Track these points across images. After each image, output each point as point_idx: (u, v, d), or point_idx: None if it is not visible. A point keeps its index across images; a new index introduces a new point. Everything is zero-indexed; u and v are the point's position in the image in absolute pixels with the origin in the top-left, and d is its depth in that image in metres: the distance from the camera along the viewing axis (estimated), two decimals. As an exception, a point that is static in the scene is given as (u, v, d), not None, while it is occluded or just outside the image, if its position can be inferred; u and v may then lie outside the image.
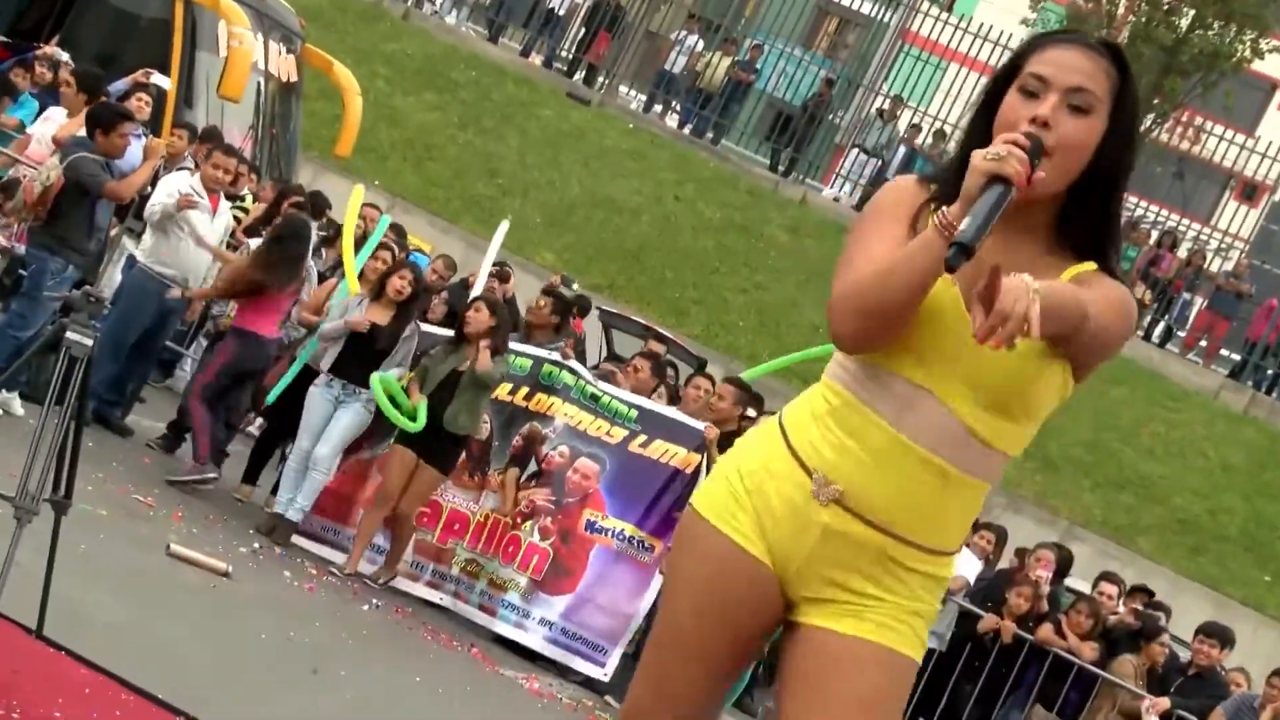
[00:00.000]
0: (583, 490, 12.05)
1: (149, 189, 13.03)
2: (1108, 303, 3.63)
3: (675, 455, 12.04)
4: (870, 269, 3.59)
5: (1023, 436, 3.71)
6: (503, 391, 12.27)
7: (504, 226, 14.62)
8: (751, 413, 12.41)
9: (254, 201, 15.36)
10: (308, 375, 12.40)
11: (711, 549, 3.84)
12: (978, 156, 3.51)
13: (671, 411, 12.34)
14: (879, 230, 3.72)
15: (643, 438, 12.13)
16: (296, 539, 11.86)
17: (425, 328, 12.62)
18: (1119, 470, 22.35)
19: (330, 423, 11.85)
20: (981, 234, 3.44)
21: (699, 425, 12.10)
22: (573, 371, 12.46)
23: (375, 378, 11.57)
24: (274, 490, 12.52)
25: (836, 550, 3.73)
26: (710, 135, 29.61)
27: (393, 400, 11.55)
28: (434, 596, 12.00)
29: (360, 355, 11.86)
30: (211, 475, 11.86)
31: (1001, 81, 3.74)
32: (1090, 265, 3.71)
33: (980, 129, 3.75)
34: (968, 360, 3.61)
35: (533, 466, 12.24)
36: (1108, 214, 3.74)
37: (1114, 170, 3.69)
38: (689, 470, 11.97)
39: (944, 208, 3.55)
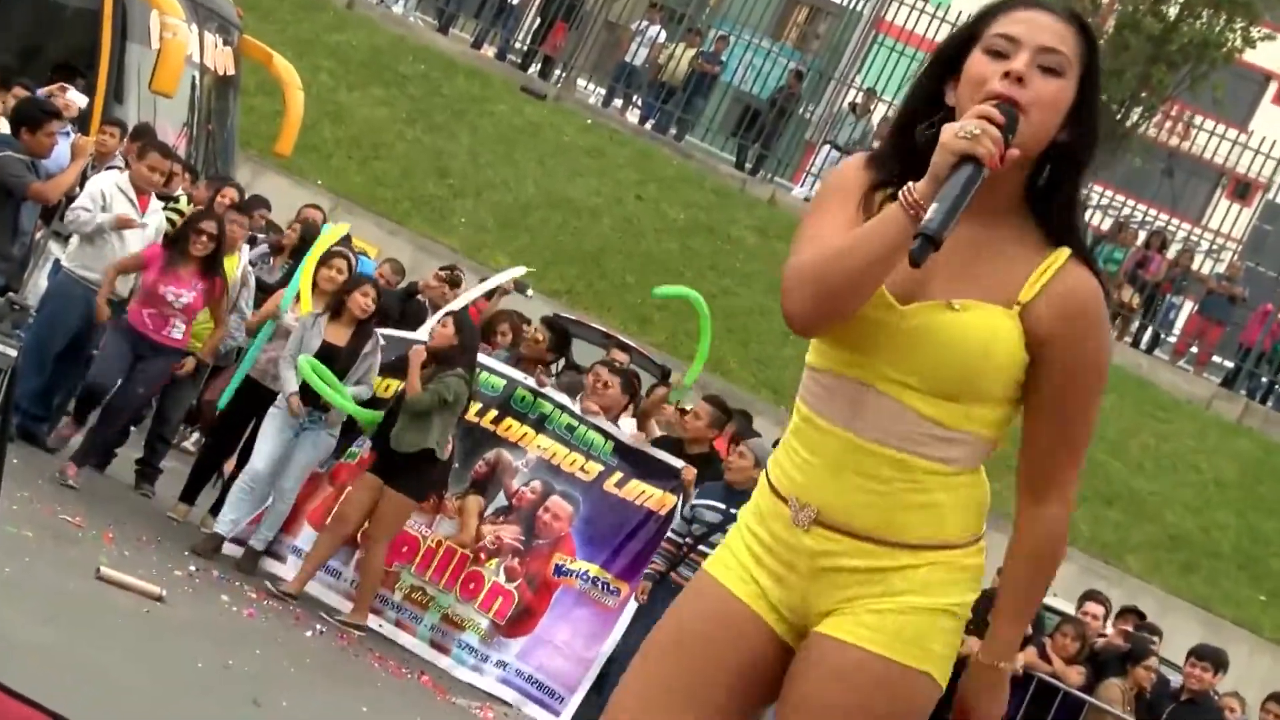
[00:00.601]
0: (554, 533, 12.08)
1: (76, 190, 12.99)
2: (1086, 384, 3.71)
3: (651, 497, 12.08)
4: (826, 246, 3.59)
5: (988, 418, 3.70)
6: (470, 412, 12.26)
7: (515, 271, 14.63)
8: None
9: (188, 203, 15.31)
10: (252, 389, 12.40)
11: (705, 597, 3.86)
12: (948, 132, 3.50)
13: (649, 448, 12.34)
14: (828, 214, 3.74)
15: (618, 475, 12.17)
16: (229, 548, 11.86)
17: (388, 333, 12.63)
18: (1106, 485, 22.43)
19: (294, 450, 11.85)
20: (950, 223, 3.44)
21: (677, 463, 12.12)
22: (549, 400, 12.45)
23: (302, 359, 11.61)
24: (212, 510, 12.51)
25: (832, 571, 3.73)
26: (674, 131, 29.64)
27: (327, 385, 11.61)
28: (373, 623, 11.97)
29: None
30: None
31: (954, 50, 3.74)
32: (1063, 253, 3.70)
33: (925, 96, 3.77)
34: (903, 350, 3.63)
35: (501, 500, 12.23)
36: (1075, 190, 3.75)
37: (1082, 141, 3.71)
38: (663, 512, 11.99)
39: (910, 184, 3.54)
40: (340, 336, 12.03)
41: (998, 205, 3.69)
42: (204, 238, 12.23)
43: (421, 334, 12.74)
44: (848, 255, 3.55)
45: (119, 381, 12.21)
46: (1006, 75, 3.60)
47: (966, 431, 3.68)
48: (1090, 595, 15.03)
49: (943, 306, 3.63)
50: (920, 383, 3.63)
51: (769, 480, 3.84)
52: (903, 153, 3.68)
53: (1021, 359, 3.66)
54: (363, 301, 12.09)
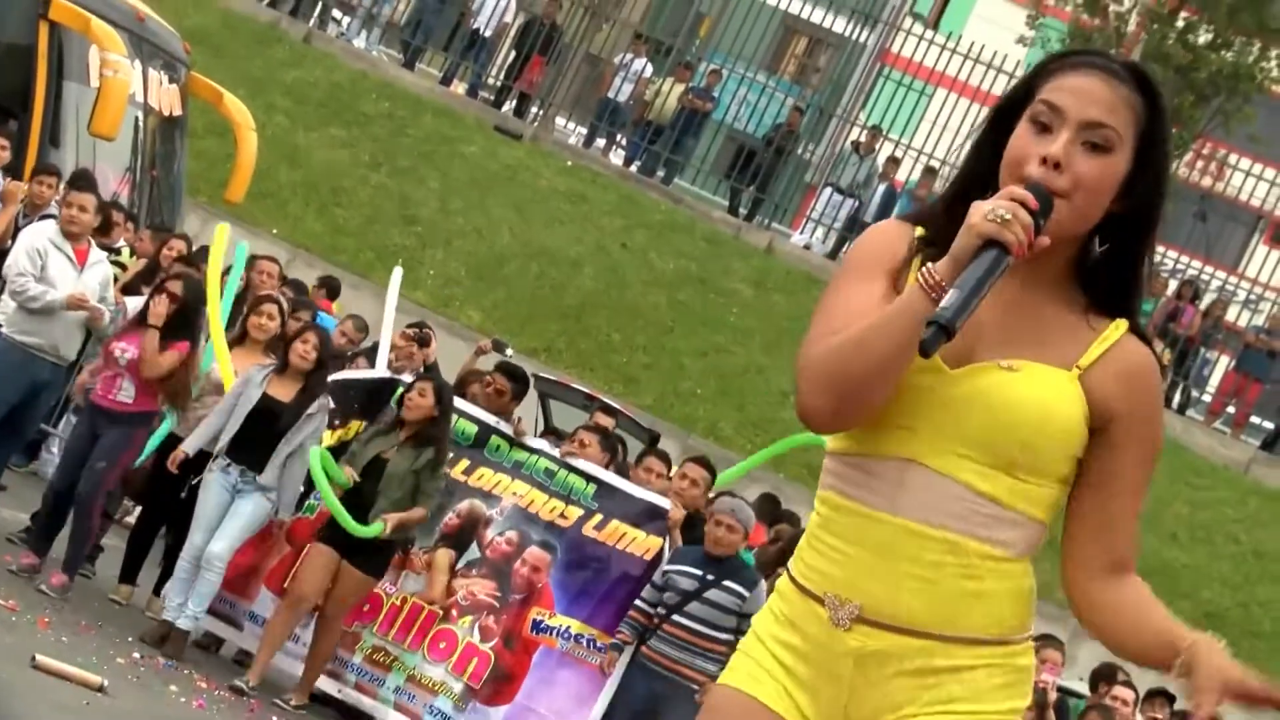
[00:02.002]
0: (531, 585, 12.08)
1: (9, 241, 13.03)
2: (1147, 457, 3.74)
3: (634, 540, 12.09)
4: (842, 336, 3.60)
5: (1042, 498, 3.70)
6: None
7: (397, 274, 14.62)
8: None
9: (131, 255, 15.35)
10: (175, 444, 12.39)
11: (738, 711, 3.80)
12: (977, 212, 3.51)
13: (633, 488, 12.39)
14: (854, 287, 3.73)
15: (599, 518, 12.18)
16: (209, 621, 11.89)
17: (344, 377, 12.66)
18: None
19: (228, 514, 11.84)
20: (966, 311, 3.46)
21: (664, 503, 12.14)
22: (525, 448, 12.52)
23: (314, 450, 11.62)
24: (155, 590, 12.51)
25: (877, 673, 3.70)
26: (661, 174, 29.74)
27: (333, 485, 11.62)
28: (332, 688, 11.97)
29: (260, 436, 11.86)
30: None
31: (1013, 105, 3.74)
32: (1121, 325, 3.72)
33: (984, 157, 3.78)
34: (956, 417, 3.63)
35: (474, 551, 12.25)
36: (1133, 263, 3.76)
37: (1141, 214, 3.71)
38: (648, 557, 11.99)
39: (930, 263, 3.55)
40: (285, 391, 12.00)
41: (1047, 275, 3.72)
42: (160, 309, 12.18)
43: (380, 369, 12.86)
44: (865, 346, 3.56)
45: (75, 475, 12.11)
46: (1044, 161, 3.60)
47: (1022, 512, 3.67)
48: (1116, 677, 14.96)
49: (995, 368, 3.65)
50: (974, 453, 3.63)
51: (795, 582, 3.79)
52: (956, 219, 3.62)
53: (1081, 427, 3.67)
54: (302, 350, 12.05)
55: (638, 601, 11.71)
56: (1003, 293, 3.59)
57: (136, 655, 11.05)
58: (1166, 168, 3.77)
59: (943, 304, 3.46)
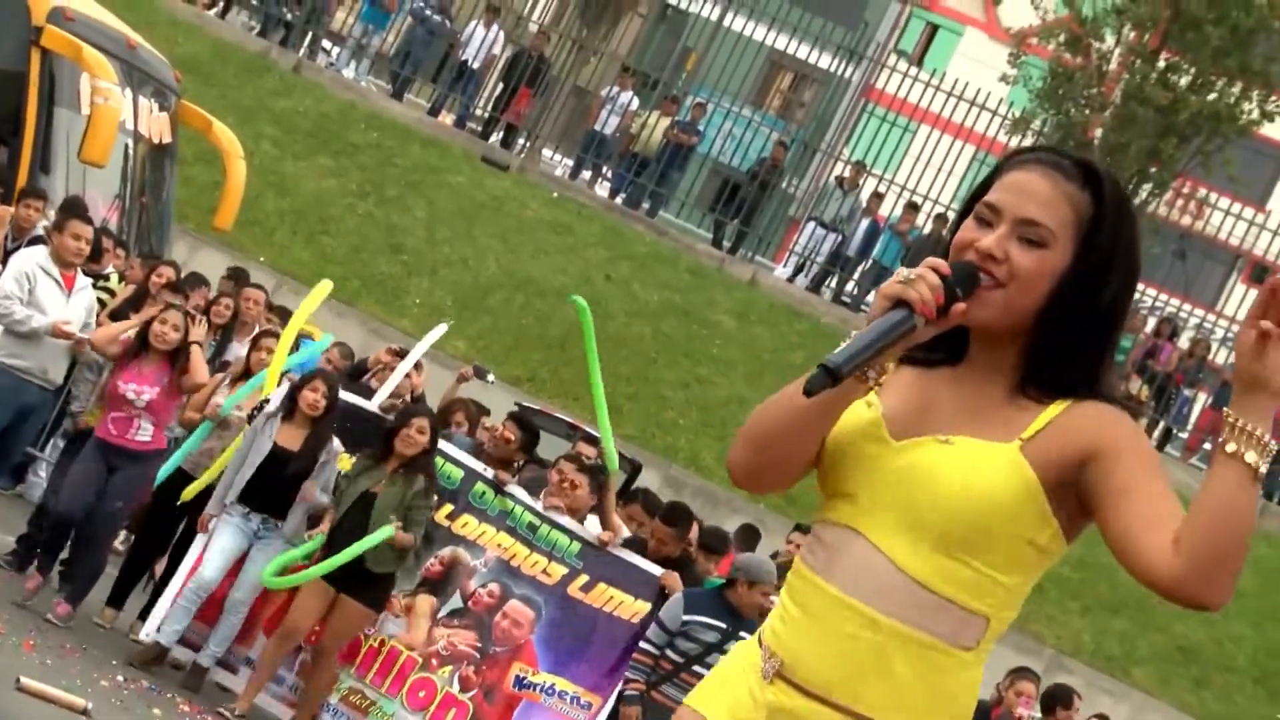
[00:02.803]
0: (513, 640, 12.04)
1: (-1, 266, 13.06)
2: (1138, 455, 3.64)
3: (621, 604, 12.04)
4: (778, 394, 3.73)
5: (986, 587, 3.65)
6: None
7: (441, 329, 14.56)
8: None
9: (120, 281, 15.37)
10: (184, 485, 12.43)
11: None
12: (890, 279, 3.61)
13: (620, 552, 12.32)
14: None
15: (584, 579, 12.12)
16: (179, 651, 11.88)
17: (347, 401, 12.65)
18: (1112, 592, 22.49)
19: (247, 561, 11.87)
20: (855, 359, 3.49)
21: (654, 570, 12.11)
22: (511, 497, 12.45)
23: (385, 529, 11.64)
24: (140, 616, 12.51)
25: None
26: (646, 206, 29.79)
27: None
28: None
29: (274, 481, 11.87)
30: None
31: (969, 203, 3.82)
32: (1059, 405, 3.69)
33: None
34: (890, 489, 3.67)
35: (456, 601, 12.22)
36: (1081, 352, 3.75)
37: (1084, 306, 3.72)
38: (636, 621, 11.96)
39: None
40: (293, 439, 11.99)
41: (1001, 363, 3.76)
42: (168, 328, 12.22)
43: (372, 405, 12.86)
44: (774, 402, 3.71)
45: (88, 506, 12.08)
46: (978, 252, 3.67)
47: (951, 599, 3.64)
48: (1063, 698, 14.90)
49: (933, 441, 3.68)
50: (906, 527, 3.65)
51: (759, 631, 3.89)
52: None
53: (1030, 500, 3.62)
54: (312, 398, 12.03)
55: (644, 645, 11.62)
56: (956, 380, 3.71)
57: (120, 678, 11.06)
58: (1116, 259, 3.75)
59: (835, 351, 3.51)
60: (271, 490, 11.87)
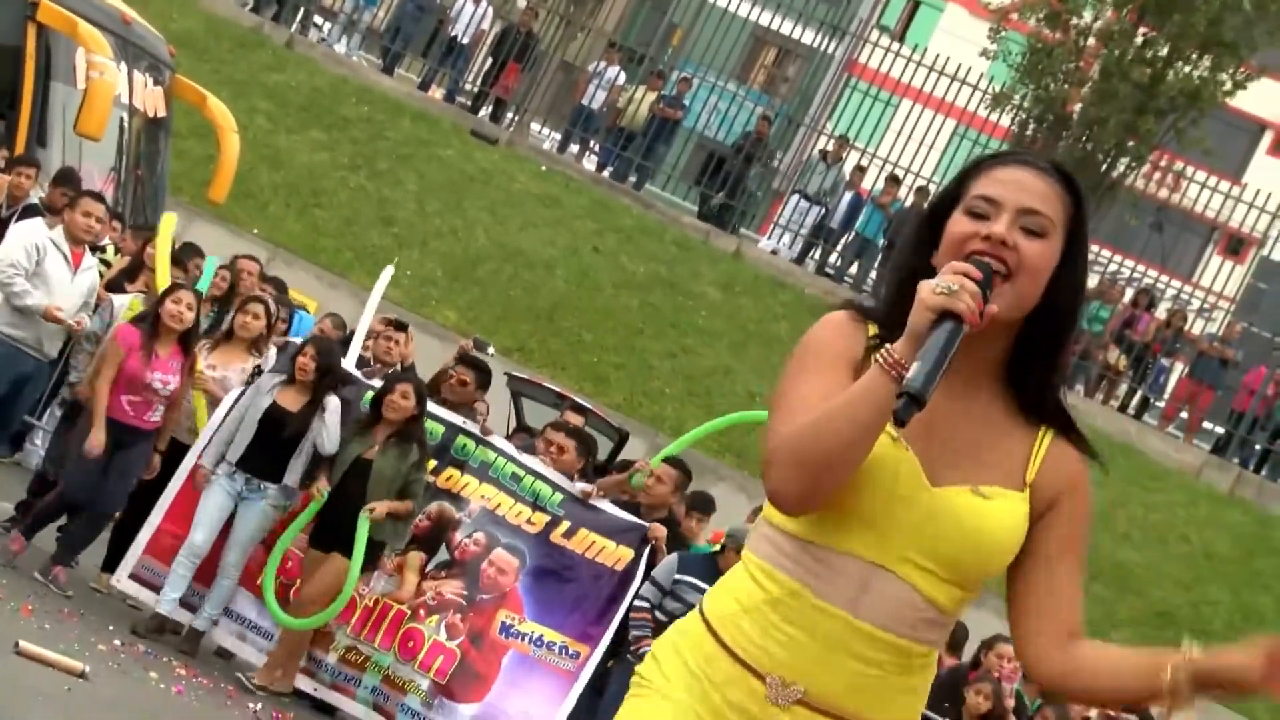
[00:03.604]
0: (499, 587, 12.05)
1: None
2: (1081, 519, 3.82)
3: (604, 549, 12.03)
4: (808, 419, 3.61)
5: (969, 600, 3.81)
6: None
7: (388, 273, 14.63)
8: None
9: (115, 253, 15.34)
10: (173, 449, 12.42)
11: None
12: (925, 289, 3.55)
13: (603, 504, 12.33)
14: (816, 373, 3.76)
15: (566, 525, 12.13)
16: (180, 614, 11.91)
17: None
18: (1091, 558, 22.37)
19: (235, 521, 11.87)
20: (933, 381, 3.50)
21: (639, 521, 12.11)
22: (492, 447, 12.48)
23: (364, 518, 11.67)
24: (104, 567, 12.52)
25: None
26: (633, 179, 29.77)
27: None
28: (308, 686, 11.98)
29: (267, 445, 11.87)
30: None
31: (944, 203, 3.79)
32: (1045, 434, 3.81)
33: (920, 254, 3.81)
34: (931, 533, 3.69)
35: (443, 554, 12.24)
36: (1060, 356, 3.81)
37: (1067, 305, 3.76)
38: (618, 568, 11.96)
39: (887, 345, 3.59)
40: (292, 402, 12.00)
41: (979, 371, 3.77)
42: (182, 308, 12.19)
43: (351, 357, 12.88)
44: (831, 424, 3.58)
45: (98, 486, 12.06)
46: (987, 238, 3.66)
47: (952, 615, 3.78)
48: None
49: (970, 492, 3.71)
50: (938, 568, 3.70)
51: (727, 646, 3.80)
52: (903, 315, 3.64)
53: (1023, 539, 3.77)
54: (301, 361, 12.05)
55: (639, 602, 11.63)
56: (947, 395, 3.67)
57: (117, 642, 11.05)
58: (1086, 264, 3.81)
59: (909, 376, 3.50)
60: (265, 452, 11.86)
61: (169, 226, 14.15)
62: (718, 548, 12.12)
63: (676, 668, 3.85)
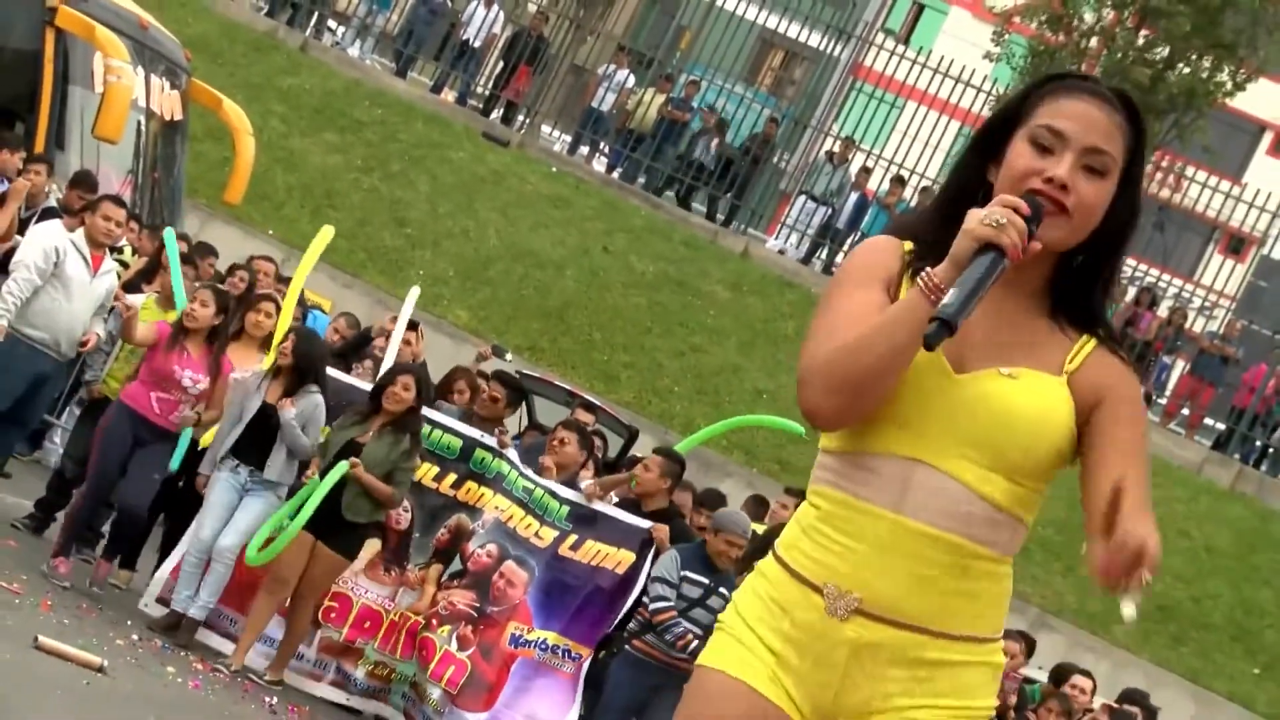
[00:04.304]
0: (509, 600, 12.03)
1: (16, 238, 13.03)
2: (1137, 423, 3.77)
3: (607, 556, 12.02)
4: (843, 337, 3.63)
5: (1030, 500, 3.75)
6: (428, 476, 12.31)
7: (414, 294, 14.61)
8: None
9: (133, 254, 15.36)
10: (191, 449, 12.43)
11: (734, 704, 3.81)
12: (974, 218, 3.56)
13: (609, 509, 12.32)
14: (853, 296, 3.76)
15: (573, 538, 12.12)
16: (154, 609, 11.89)
17: (338, 377, 12.64)
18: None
19: (236, 511, 11.86)
20: (967, 309, 3.51)
21: (642, 524, 12.09)
22: (507, 460, 12.48)
23: (340, 466, 11.64)
24: (153, 574, 12.53)
25: (871, 664, 3.74)
26: (642, 180, 29.76)
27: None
28: (339, 697, 12.00)
29: (264, 437, 11.87)
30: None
31: (1003, 124, 3.79)
32: (1087, 341, 3.79)
33: (970, 173, 3.83)
34: (962, 419, 3.68)
35: (457, 564, 12.25)
36: (1108, 277, 3.83)
37: (1119, 233, 3.77)
38: (620, 571, 11.95)
39: (929, 268, 3.60)
40: (275, 395, 12.01)
41: (1028, 285, 3.78)
42: (196, 306, 12.19)
43: (365, 384, 12.83)
44: (869, 345, 3.59)
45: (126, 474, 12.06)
46: (1049, 180, 3.65)
47: (1013, 514, 3.72)
48: (1074, 669, 15.01)
49: (996, 374, 3.70)
50: (977, 455, 3.68)
51: (789, 569, 3.81)
52: (946, 231, 3.67)
53: (1072, 429, 3.73)
54: (283, 347, 12.03)
55: (660, 603, 11.48)
56: (988, 301, 3.64)
57: (135, 637, 11.07)
58: (1141, 191, 3.83)
59: (944, 301, 3.52)
60: (258, 444, 11.87)
61: (324, 241, 14.07)
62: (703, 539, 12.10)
63: (750, 605, 3.87)
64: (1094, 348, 3.79)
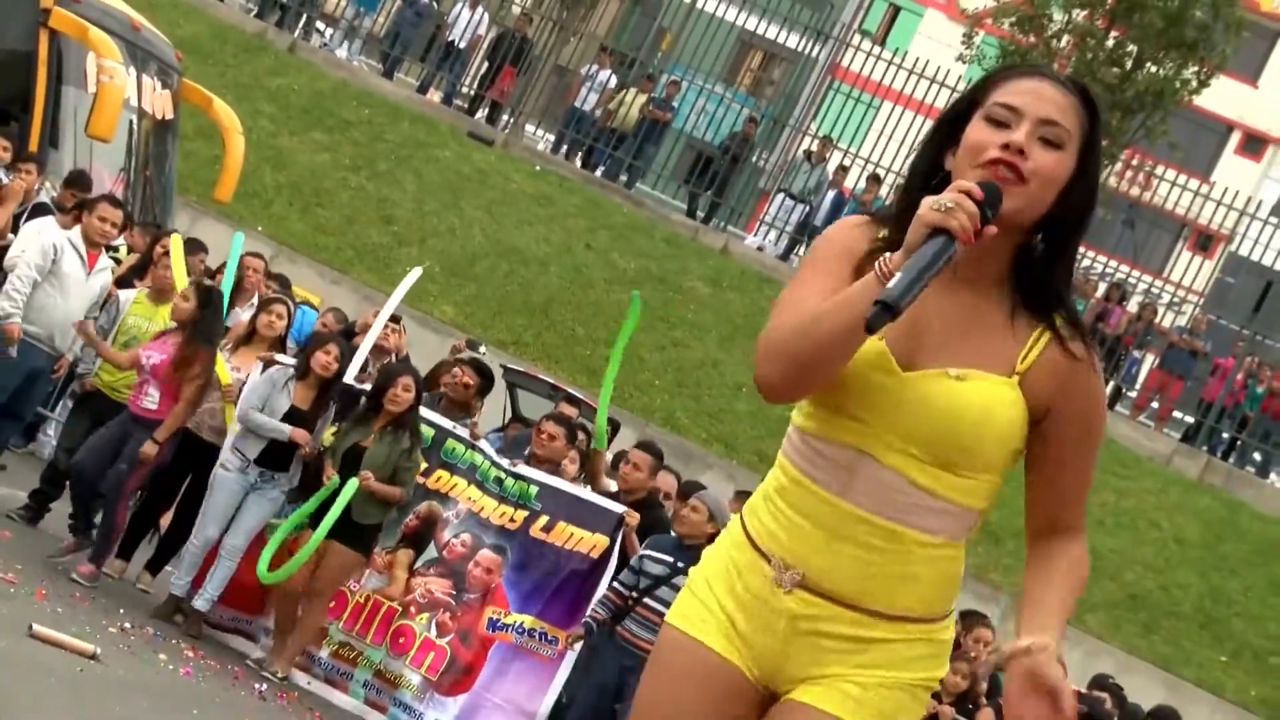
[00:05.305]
0: (484, 585, 12.03)
1: (10, 236, 13.01)
2: (1085, 442, 3.84)
3: (580, 540, 12.01)
4: (800, 315, 3.65)
5: (979, 489, 3.78)
6: None
7: (415, 274, 14.57)
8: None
9: (127, 252, 15.35)
10: (186, 441, 12.41)
11: (690, 662, 3.88)
12: (925, 204, 3.56)
13: (581, 490, 12.33)
14: (816, 275, 3.78)
15: (545, 519, 12.09)
16: (208, 630, 11.91)
17: (346, 382, 12.65)
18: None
19: (240, 510, 11.86)
20: (910, 293, 3.48)
21: (615, 508, 12.09)
22: (480, 451, 12.48)
23: (352, 482, 11.66)
24: (147, 566, 12.52)
25: (810, 635, 3.80)
26: (624, 179, 29.77)
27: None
28: (302, 680, 11.97)
29: (280, 442, 11.89)
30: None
31: (956, 116, 3.81)
32: (1043, 334, 3.78)
33: (929, 163, 3.83)
34: (905, 418, 3.69)
35: (431, 552, 12.23)
36: (1069, 260, 3.82)
37: (1078, 216, 3.77)
38: (594, 555, 11.95)
39: (886, 255, 3.60)
40: (303, 399, 12.01)
41: (988, 273, 3.77)
42: (191, 304, 12.19)
43: (362, 352, 12.83)
44: (818, 324, 3.61)
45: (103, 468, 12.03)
46: (1006, 146, 3.66)
47: (954, 502, 3.75)
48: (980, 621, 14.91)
49: (944, 375, 3.71)
50: (920, 451, 3.71)
51: (747, 533, 3.88)
52: (908, 220, 3.65)
53: (1021, 427, 3.76)
54: (325, 360, 12.04)
55: (615, 584, 11.63)
56: (946, 293, 3.68)
57: (127, 625, 11.05)
58: (1099, 174, 3.83)
59: (889, 285, 3.50)
60: (280, 448, 11.89)
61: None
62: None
63: (713, 563, 3.95)
64: (1048, 342, 3.78)
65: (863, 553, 3.74)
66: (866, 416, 3.72)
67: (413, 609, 12.00)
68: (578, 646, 11.71)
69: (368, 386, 12.27)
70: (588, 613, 11.60)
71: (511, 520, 12.15)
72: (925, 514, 3.74)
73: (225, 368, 12.51)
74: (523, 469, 12.35)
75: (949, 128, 3.81)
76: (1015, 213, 3.65)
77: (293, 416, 11.92)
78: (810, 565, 3.77)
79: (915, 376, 3.71)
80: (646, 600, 11.44)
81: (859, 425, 3.72)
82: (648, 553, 11.62)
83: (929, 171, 3.82)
